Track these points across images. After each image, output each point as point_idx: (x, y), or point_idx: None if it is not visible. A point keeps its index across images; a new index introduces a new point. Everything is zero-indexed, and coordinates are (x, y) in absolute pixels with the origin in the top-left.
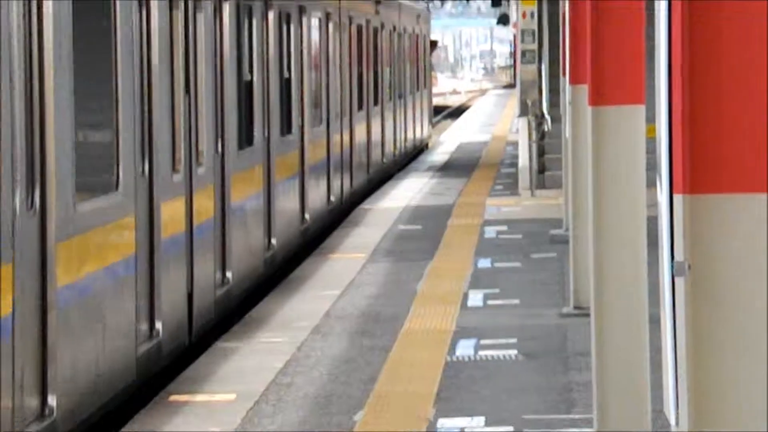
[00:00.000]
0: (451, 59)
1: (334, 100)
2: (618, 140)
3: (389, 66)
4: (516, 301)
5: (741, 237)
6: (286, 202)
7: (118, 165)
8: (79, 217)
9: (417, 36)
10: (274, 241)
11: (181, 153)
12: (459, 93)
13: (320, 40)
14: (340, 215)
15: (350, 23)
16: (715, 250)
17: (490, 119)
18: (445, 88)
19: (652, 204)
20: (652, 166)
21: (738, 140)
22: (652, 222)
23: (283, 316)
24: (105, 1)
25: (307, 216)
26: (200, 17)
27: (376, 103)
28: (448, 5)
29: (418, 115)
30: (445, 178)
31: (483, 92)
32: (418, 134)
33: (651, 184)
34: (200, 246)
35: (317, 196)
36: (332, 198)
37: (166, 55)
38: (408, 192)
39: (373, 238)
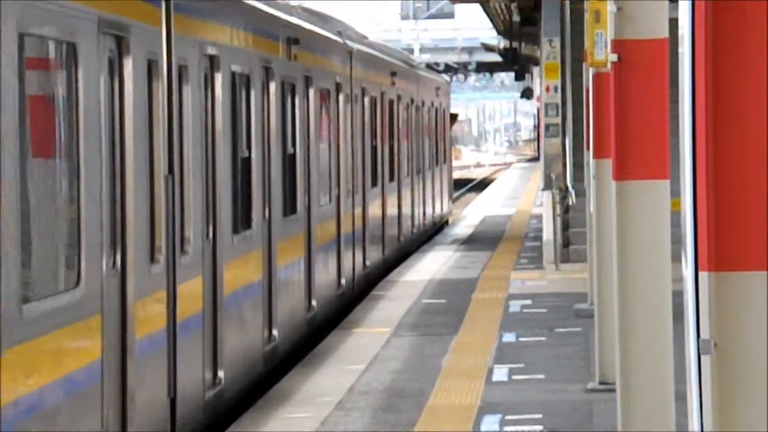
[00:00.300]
0: (475, 132)
1: (345, 176)
2: (642, 215)
3: (407, 140)
4: (541, 376)
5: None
6: (290, 289)
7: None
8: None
9: (436, 109)
10: (275, 332)
11: (161, 241)
12: (483, 166)
13: (329, 113)
14: (351, 300)
15: (363, 95)
16: (741, 328)
17: (515, 192)
18: (469, 161)
19: (678, 278)
20: (677, 240)
21: (763, 218)
22: (678, 296)
23: (307, 391)
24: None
25: (314, 302)
26: (187, 89)
27: (392, 179)
28: (472, 78)
29: (437, 190)
30: (469, 252)
31: (507, 165)
32: (437, 211)
33: (676, 258)
34: (185, 345)
35: (326, 280)
36: (343, 282)
37: (143, 131)
38: (432, 265)
39: (397, 312)
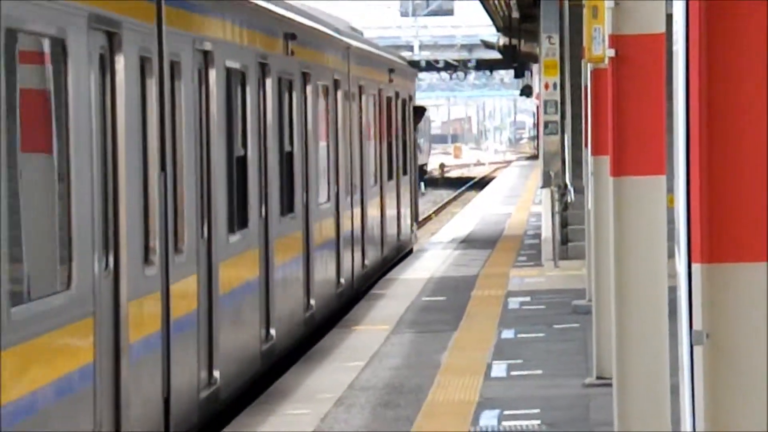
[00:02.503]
0: (475, 130)
1: (344, 174)
2: (639, 211)
3: (332, 147)
4: (539, 372)
5: (759, 306)
6: (288, 288)
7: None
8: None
9: (389, 98)
10: (273, 331)
11: (156, 241)
12: (483, 164)
13: (328, 110)
14: (350, 299)
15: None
16: (734, 320)
17: (514, 190)
18: (469, 159)
19: (674, 274)
20: (673, 237)
21: (756, 208)
22: (674, 292)
23: (307, 388)
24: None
25: (312, 302)
26: (179, 85)
27: (326, 200)
28: (472, 76)
29: (394, 212)
30: (468, 250)
31: (507, 163)
32: (392, 241)
33: (672, 254)
34: (179, 345)
35: (324, 279)
36: (342, 281)
37: (135, 128)
38: (432, 263)
39: (397, 310)
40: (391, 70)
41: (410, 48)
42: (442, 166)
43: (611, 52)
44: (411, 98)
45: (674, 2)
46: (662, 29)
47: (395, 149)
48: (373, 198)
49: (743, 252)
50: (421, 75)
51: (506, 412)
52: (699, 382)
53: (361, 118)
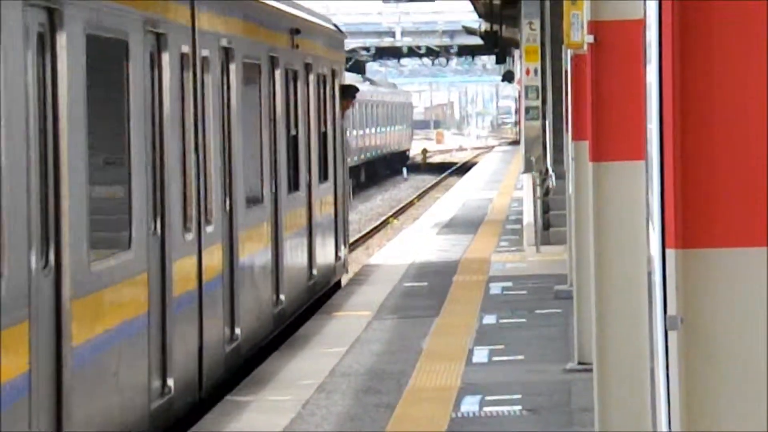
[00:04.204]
0: (457, 116)
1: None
2: (618, 196)
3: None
4: (521, 357)
5: (733, 291)
6: (255, 284)
7: (131, 224)
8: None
9: (311, 74)
10: (282, 296)
11: (193, 212)
12: (465, 150)
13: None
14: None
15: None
16: (708, 305)
17: (496, 176)
18: (451, 144)
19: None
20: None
21: (730, 194)
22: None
23: (289, 374)
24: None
25: (314, 271)
26: (208, 77)
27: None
28: (454, 62)
29: (316, 234)
30: (450, 235)
31: (489, 149)
32: (311, 273)
33: None
34: (209, 303)
35: (322, 252)
36: (340, 254)
37: (177, 116)
38: (414, 248)
39: (378, 296)
40: (294, 32)
41: (392, 34)
42: (424, 151)
43: (590, 39)
44: (336, 74)
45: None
46: (641, 15)
47: (305, 146)
48: (253, 224)
49: (718, 237)
50: (404, 61)
51: (488, 398)
52: (674, 367)
53: (226, 102)
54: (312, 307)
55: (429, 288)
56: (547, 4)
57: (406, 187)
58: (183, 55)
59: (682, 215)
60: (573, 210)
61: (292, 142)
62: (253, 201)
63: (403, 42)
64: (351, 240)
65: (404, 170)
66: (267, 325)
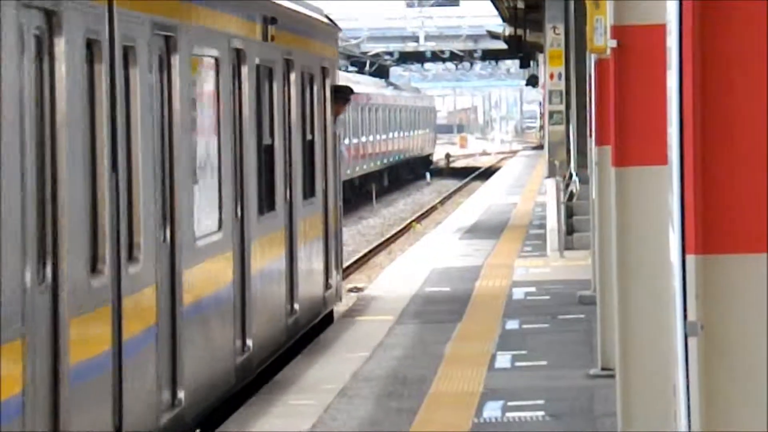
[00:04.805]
0: (481, 120)
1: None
2: (641, 201)
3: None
4: (543, 363)
5: (753, 297)
6: (270, 292)
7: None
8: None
9: (293, 72)
10: (249, 342)
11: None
12: (489, 154)
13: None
14: None
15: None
16: (728, 311)
17: (520, 180)
18: (474, 149)
19: None
20: None
21: (751, 200)
22: None
23: (310, 378)
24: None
25: (296, 306)
26: (135, 73)
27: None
28: (478, 66)
29: (302, 260)
30: (473, 240)
31: (513, 153)
32: (300, 303)
33: None
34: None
35: (307, 282)
36: (331, 282)
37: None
38: (436, 253)
39: (401, 300)
40: (268, 20)
41: (416, 38)
42: (447, 156)
43: (613, 43)
44: (327, 73)
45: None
46: (664, 20)
47: (283, 157)
48: (208, 256)
49: (737, 243)
50: (427, 65)
51: (510, 403)
52: (693, 372)
53: (158, 104)
54: (295, 347)
55: (452, 293)
56: (572, 8)
57: (429, 191)
58: (91, 43)
59: (702, 221)
60: (596, 215)
61: (266, 153)
62: (206, 229)
63: (427, 46)
64: (374, 243)
65: (427, 175)
66: (228, 379)
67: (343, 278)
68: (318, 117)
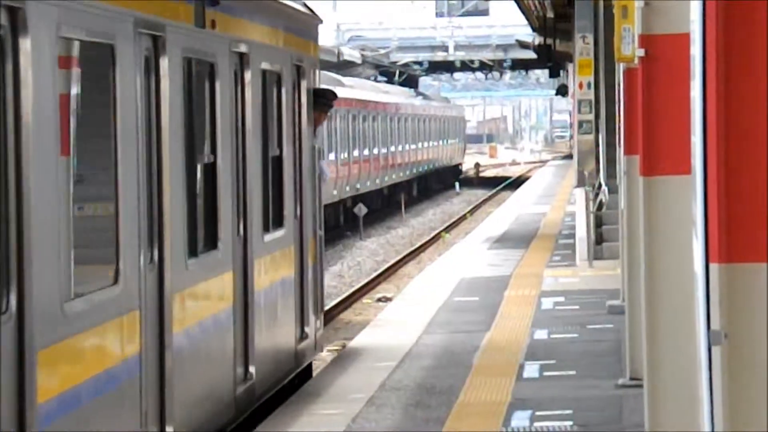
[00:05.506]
0: (510, 130)
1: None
2: (669, 210)
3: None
4: (572, 372)
5: None
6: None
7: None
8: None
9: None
10: (252, 370)
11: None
12: (518, 164)
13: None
14: None
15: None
16: (752, 319)
17: (549, 190)
18: (504, 159)
19: None
20: None
21: None
22: None
23: (338, 388)
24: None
25: (249, 370)
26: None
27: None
28: (507, 76)
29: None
30: (502, 249)
31: (543, 163)
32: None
33: None
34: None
35: (271, 335)
36: (307, 330)
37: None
38: (465, 263)
39: (429, 310)
40: (205, 1)
41: (445, 48)
42: (477, 165)
43: (641, 52)
44: (303, 73)
45: (691, 3)
46: None
47: (231, 179)
48: (113, 312)
49: (761, 251)
50: (457, 75)
51: (538, 413)
52: (717, 382)
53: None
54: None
55: (480, 302)
56: (601, 17)
57: (458, 201)
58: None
59: (725, 229)
60: (625, 224)
61: (205, 175)
62: (99, 285)
63: (456, 56)
64: (403, 253)
65: (456, 184)
66: None
67: (370, 290)
68: (287, 127)
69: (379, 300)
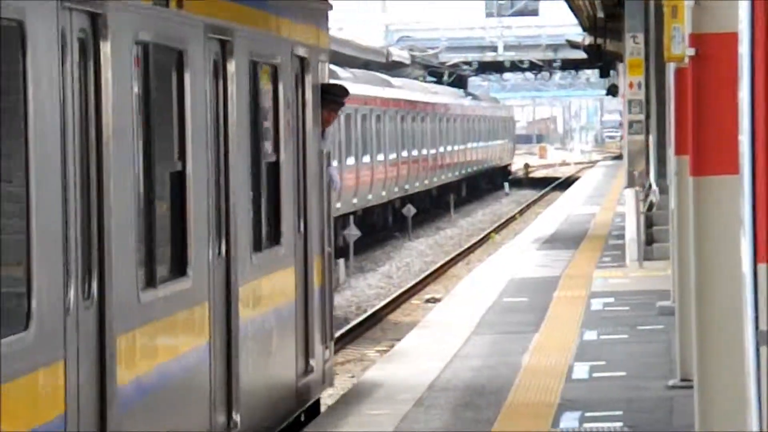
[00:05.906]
0: (560, 130)
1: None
2: (719, 210)
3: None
4: (622, 374)
5: None
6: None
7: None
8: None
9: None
10: (236, 418)
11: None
12: (568, 164)
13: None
14: None
15: None
16: None
17: (599, 190)
18: (554, 159)
19: None
20: None
21: None
22: None
23: (387, 388)
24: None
25: (234, 418)
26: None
27: None
28: (557, 76)
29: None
30: (551, 250)
31: (593, 163)
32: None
33: None
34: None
35: (264, 371)
36: (312, 363)
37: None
38: (514, 264)
39: (478, 310)
40: None
41: (494, 48)
42: (526, 166)
43: (691, 51)
44: (307, 67)
45: (739, 3)
46: None
47: (211, 191)
48: (29, 363)
49: None
50: (506, 75)
51: (588, 414)
52: (765, 381)
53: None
54: None
55: (529, 303)
56: (651, 17)
57: (507, 201)
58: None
59: None
60: (675, 225)
61: (173, 185)
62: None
63: (506, 56)
64: (452, 254)
65: (506, 185)
66: None
67: (418, 291)
68: (287, 129)
69: (428, 301)
